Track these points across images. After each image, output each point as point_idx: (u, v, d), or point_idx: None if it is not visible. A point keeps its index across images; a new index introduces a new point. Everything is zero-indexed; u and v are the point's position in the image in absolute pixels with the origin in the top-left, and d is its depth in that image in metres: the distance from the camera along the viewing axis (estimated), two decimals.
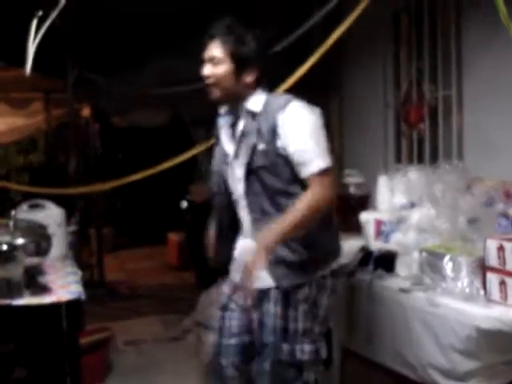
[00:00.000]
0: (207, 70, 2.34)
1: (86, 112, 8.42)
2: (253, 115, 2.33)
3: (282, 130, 2.28)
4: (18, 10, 3.97)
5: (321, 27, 4.06)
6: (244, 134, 2.35)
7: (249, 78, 2.34)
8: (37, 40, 3.09)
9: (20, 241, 2.91)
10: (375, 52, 5.24)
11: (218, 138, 2.51)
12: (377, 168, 4.79)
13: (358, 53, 5.44)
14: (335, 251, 2.52)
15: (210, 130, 2.62)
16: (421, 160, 4.77)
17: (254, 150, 2.31)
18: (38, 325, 2.90)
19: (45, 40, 3.33)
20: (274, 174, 2.31)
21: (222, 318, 2.53)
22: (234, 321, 2.50)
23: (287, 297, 2.36)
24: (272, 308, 2.36)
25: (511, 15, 2.88)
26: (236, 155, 2.39)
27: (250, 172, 2.33)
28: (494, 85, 3.93)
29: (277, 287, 2.36)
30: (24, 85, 7.02)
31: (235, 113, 2.41)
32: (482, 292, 2.48)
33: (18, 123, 9.08)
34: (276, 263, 2.32)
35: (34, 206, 3.82)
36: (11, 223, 3.02)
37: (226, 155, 2.44)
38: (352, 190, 4.54)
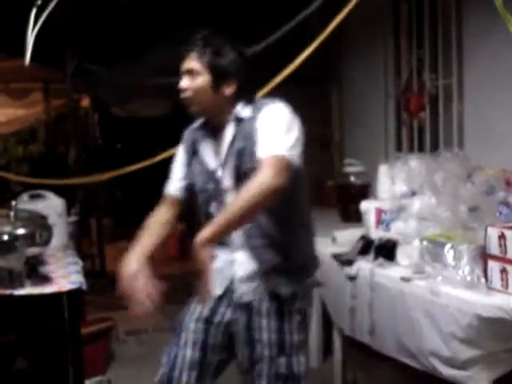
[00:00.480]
0: (184, 82, 2.29)
1: (85, 102, 8.40)
2: (241, 121, 2.28)
3: (259, 124, 2.21)
4: (17, 0, 3.96)
5: (319, 15, 4.04)
6: (233, 141, 2.28)
7: (228, 90, 2.27)
8: (35, 30, 3.08)
9: (21, 231, 2.91)
10: (375, 41, 5.22)
11: (193, 153, 2.41)
12: (377, 157, 4.79)
13: (358, 42, 5.43)
14: (317, 257, 2.45)
15: None
16: (421, 149, 4.77)
17: (241, 153, 2.24)
18: (39, 315, 2.91)
19: (44, 30, 3.31)
20: None
21: (205, 332, 2.38)
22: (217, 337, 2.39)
23: (281, 308, 2.28)
24: (265, 322, 2.27)
25: (509, 5, 2.87)
26: (224, 165, 2.30)
27: (240, 177, 2.23)
28: (494, 73, 3.93)
29: (271, 298, 2.28)
30: (23, 75, 7.01)
31: (213, 125, 2.36)
32: (483, 280, 2.48)
33: (18, 114, 9.08)
34: (271, 271, 2.26)
35: (34, 197, 3.82)
36: (12, 213, 3.01)
37: (209, 171, 2.34)
38: (353, 179, 4.56)
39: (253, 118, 2.24)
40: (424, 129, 4.75)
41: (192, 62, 2.27)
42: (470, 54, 4.23)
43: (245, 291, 2.28)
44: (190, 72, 2.27)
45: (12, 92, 8.28)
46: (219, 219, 2.05)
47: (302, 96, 5.75)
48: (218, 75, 2.26)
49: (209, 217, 2.28)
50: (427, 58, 4.67)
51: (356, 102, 5.68)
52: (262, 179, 2.02)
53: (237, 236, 2.28)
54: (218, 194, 2.31)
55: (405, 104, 4.93)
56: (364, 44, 5.38)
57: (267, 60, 4.38)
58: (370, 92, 5.37)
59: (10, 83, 8.10)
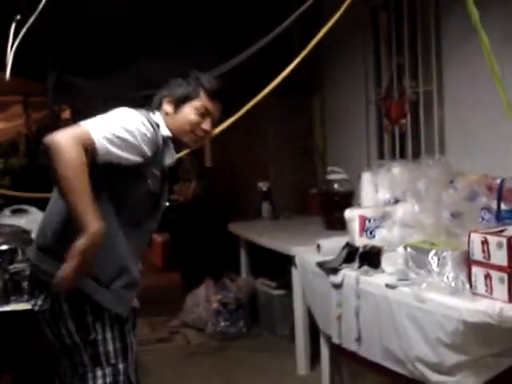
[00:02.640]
0: (209, 126, 2.44)
1: (66, 114, 8.38)
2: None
3: None
4: None
5: (299, 23, 4.05)
6: None
7: None
8: (15, 45, 3.07)
9: (3, 247, 2.90)
10: (355, 48, 5.26)
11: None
12: (360, 164, 4.83)
13: (338, 50, 5.45)
14: None
15: None
16: (403, 155, 4.79)
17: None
18: (23, 330, 2.89)
19: (23, 43, 3.30)
20: None
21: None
22: None
23: None
24: None
25: (486, 12, 2.90)
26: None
27: None
28: (474, 79, 3.96)
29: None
30: (2, 88, 6.98)
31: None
32: (467, 286, 2.49)
33: None
34: None
35: (16, 211, 3.80)
36: None
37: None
38: (336, 186, 4.58)
39: None
40: (405, 135, 4.78)
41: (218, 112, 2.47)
42: (449, 60, 4.27)
43: None
44: (210, 115, 2.43)
45: None
46: None
47: (284, 105, 5.79)
48: None
49: None
50: (407, 65, 4.70)
51: (338, 110, 5.70)
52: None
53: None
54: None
55: (386, 111, 4.95)
56: (344, 52, 5.42)
57: (246, 73, 4.40)
58: (351, 100, 5.40)
59: None
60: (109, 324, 2.26)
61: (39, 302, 2.28)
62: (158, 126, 2.32)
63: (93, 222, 2.00)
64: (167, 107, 2.41)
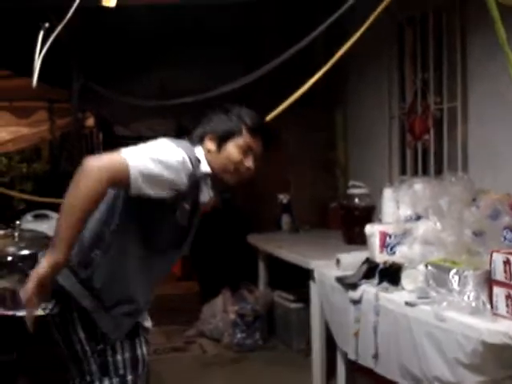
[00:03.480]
0: (252, 163, 2.39)
1: (89, 122, 8.45)
2: None
3: None
4: (25, 22, 4.00)
5: (324, 36, 4.05)
6: None
7: None
8: (43, 53, 3.11)
9: (25, 252, 2.92)
10: (380, 63, 5.24)
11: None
12: (381, 179, 4.81)
13: (363, 64, 5.44)
14: None
15: None
16: (426, 172, 4.76)
17: None
18: (41, 334, 2.90)
19: (49, 50, 3.34)
20: None
21: None
22: None
23: None
24: None
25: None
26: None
27: None
28: (499, 97, 3.93)
29: None
30: (28, 94, 7.05)
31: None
32: (488, 306, 2.47)
33: (22, 132, 9.11)
34: None
35: (38, 216, 3.83)
36: (16, 234, 3.02)
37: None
38: (357, 201, 4.56)
39: None
40: (428, 152, 4.75)
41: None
42: (474, 76, 4.24)
43: None
44: (252, 152, 2.38)
45: (16, 110, 8.32)
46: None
47: (307, 118, 5.79)
48: None
49: None
50: (432, 81, 4.68)
51: (360, 124, 5.68)
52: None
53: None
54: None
55: (409, 126, 4.93)
56: (369, 66, 5.40)
57: (272, 86, 4.41)
58: (374, 114, 5.38)
59: (14, 101, 8.14)
60: (122, 335, 2.28)
61: (49, 306, 2.29)
62: (198, 161, 2.29)
63: (64, 252, 2.02)
64: (209, 144, 2.35)
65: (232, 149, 2.34)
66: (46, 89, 6.31)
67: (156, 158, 2.12)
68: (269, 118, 3.73)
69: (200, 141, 2.38)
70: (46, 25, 3.17)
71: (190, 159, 2.22)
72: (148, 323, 2.42)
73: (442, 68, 4.56)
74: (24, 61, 3.92)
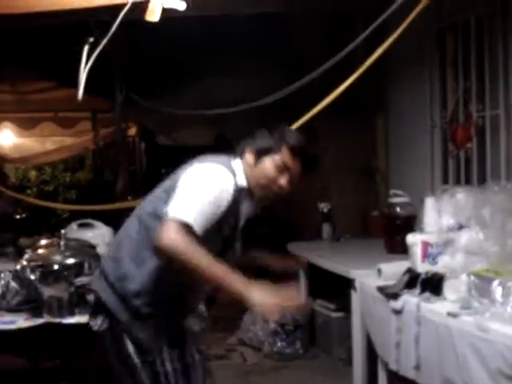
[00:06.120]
0: (287, 182, 2.41)
1: (132, 131, 8.57)
2: None
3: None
4: (70, 35, 4.10)
5: (363, 48, 4.06)
6: None
7: None
8: (88, 66, 3.19)
9: (70, 260, 2.98)
10: (421, 70, 5.21)
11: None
12: (423, 188, 4.77)
13: (404, 71, 5.42)
14: None
15: None
16: (468, 181, 4.71)
17: None
18: (85, 342, 2.96)
19: (94, 63, 3.43)
20: None
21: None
22: None
23: None
24: None
25: None
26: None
27: None
28: None
29: None
30: (72, 105, 7.19)
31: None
32: None
33: (66, 142, 9.29)
34: None
35: (83, 225, 3.90)
36: (62, 243, 3.08)
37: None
38: (398, 210, 4.53)
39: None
40: (471, 160, 4.70)
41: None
42: None
43: None
44: (289, 172, 2.39)
45: (61, 121, 8.49)
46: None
47: (347, 125, 5.78)
48: None
49: None
50: (474, 89, 4.63)
51: (402, 132, 5.65)
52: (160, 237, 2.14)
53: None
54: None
55: (451, 135, 4.88)
56: (410, 73, 5.37)
57: (313, 90, 4.42)
58: (415, 122, 5.33)
59: (59, 112, 8.31)
60: (166, 345, 2.33)
61: (98, 322, 2.35)
62: (234, 174, 2.34)
63: (245, 289, 2.22)
64: (249, 157, 2.39)
65: (268, 164, 2.37)
66: (90, 99, 6.42)
67: (201, 199, 2.21)
68: (302, 120, 3.75)
69: (241, 154, 2.42)
70: (91, 39, 3.26)
71: (232, 173, 2.31)
72: (196, 326, 2.47)
73: (484, 75, 4.51)
74: (68, 71, 4.03)
